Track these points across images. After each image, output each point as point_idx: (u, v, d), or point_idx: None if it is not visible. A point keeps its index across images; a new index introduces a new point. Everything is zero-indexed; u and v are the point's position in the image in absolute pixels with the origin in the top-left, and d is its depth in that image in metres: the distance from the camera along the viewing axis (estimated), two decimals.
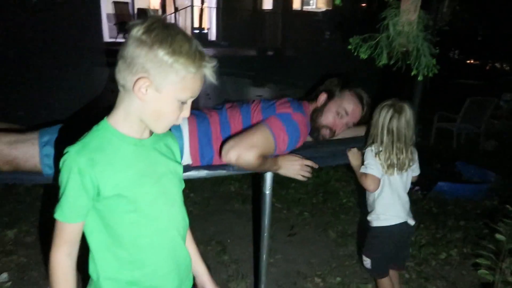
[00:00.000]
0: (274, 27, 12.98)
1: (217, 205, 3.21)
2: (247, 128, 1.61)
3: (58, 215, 0.89)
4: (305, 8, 13.76)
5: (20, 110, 2.10)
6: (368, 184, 1.72)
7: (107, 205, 0.91)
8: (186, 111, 0.92)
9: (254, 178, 3.35)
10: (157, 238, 0.97)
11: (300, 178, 1.66)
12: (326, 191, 3.55)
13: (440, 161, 4.53)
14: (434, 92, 3.45)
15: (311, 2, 14.37)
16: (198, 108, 1.72)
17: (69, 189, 0.86)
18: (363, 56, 1.16)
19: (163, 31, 0.83)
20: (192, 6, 10.61)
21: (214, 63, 0.89)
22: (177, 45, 0.84)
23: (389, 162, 1.71)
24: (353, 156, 1.79)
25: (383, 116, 1.69)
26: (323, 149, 1.77)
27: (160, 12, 10.18)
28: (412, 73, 1.10)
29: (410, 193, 1.91)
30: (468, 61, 15.38)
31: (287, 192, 3.45)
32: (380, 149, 1.71)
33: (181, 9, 10.50)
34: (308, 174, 1.67)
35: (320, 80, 2.00)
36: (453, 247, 2.68)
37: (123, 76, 0.85)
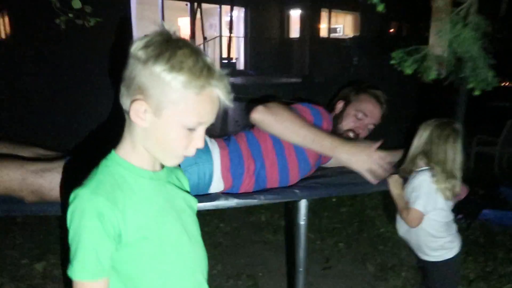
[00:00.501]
0: (302, 54, 13.09)
1: (247, 236, 3.09)
2: None
3: (79, 274, 0.75)
4: (332, 35, 13.83)
5: (49, 138, 2.11)
6: (411, 219, 1.57)
7: (127, 255, 0.77)
8: (198, 141, 0.78)
9: (287, 207, 3.22)
10: (183, 284, 0.85)
11: (367, 175, 1.47)
12: (361, 220, 3.38)
13: (482, 186, 4.27)
14: (470, 115, 3.29)
15: (338, 29, 14.43)
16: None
17: (89, 239, 0.73)
18: (408, 71, 1.06)
19: (162, 45, 0.72)
20: (220, 36, 10.83)
21: (226, 80, 0.75)
22: (177, 60, 0.71)
23: (448, 185, 1.57)
24: (394, 183, 1.64)
25: (439, 136, 1.57)
26: (358, 174, 1.65)
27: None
28: (469, 86, 0.98)
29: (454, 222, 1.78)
30: (503, 84, 14.84)
31: (320, 221, 3.30)
32: (438, 175, 1.57)
33: (209, 40, 10.73)
34: (383, 173, 1.46)
35: (336, 92, 1.96)
36: (506, 283, 2.45)
37: (124, 100, 0.75)
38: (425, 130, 1.61)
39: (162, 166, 0.85)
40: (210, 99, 0.74)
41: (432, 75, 0.99)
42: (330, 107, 1.85)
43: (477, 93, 1.00)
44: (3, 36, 4.83)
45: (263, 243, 2.98)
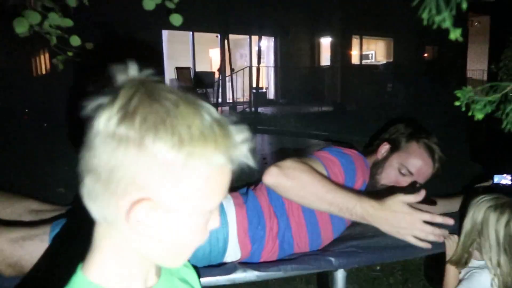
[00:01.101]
0: (333, 82, 12.85)
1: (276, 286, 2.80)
2: None
3: None
4: (364, 61, 13.56)
5: (60, 186, 1.96)
6: None
7: None
8: (216, 220, 0.59)
9: (321, 278, 2.85)
10: None
11: (413, 241, 1.14)
12: (405, 268, 3.01)
13: None
14: None
15: (370, 55, 14.17)
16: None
17: None
18: (479, 116, 0.78)
19: (150, 106, 0.48)
20: (250, 66, 10.82)
21: (246, 135, 0.52)
22: (184, 127, 0.48)
23: (508, 284, 1.25)
24: (452, 246, 1.35)
25: (494, 222, 1.25)
26: None
27: (218, 75, 10.46)
28: None
29: None
30: None
31: (357, 269, 2.97)
32: (496, 272, 1.26)
33: (238, 71, 10.76)
34: (435, 238, 1.13)
35: (384, 126, 1.63)
36: None
37: (100, 202, 0.50)
38: (473, 211, 1.30)
39: (158, 274, 0.61)
40: (231, 166, 0.52)
41: None
42: (371, 148, 1.57)
43: None
44: None
45: None
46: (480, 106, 0.75)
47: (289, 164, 1.20)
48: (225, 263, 1.19)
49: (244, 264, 1.16)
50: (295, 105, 10.01)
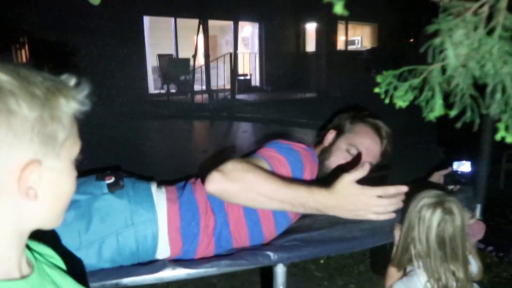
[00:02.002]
0: (319, 68, 12.77)
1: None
2: None
3: None
4: (350, 47, 13.48)
5: None
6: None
7: None
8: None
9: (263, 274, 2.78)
10: None
11: (375, 217, 1.11)
12: (375, 254, 3.01)
13: None
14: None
15: (356, 41, 14.08)
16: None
17: None
18: (401, 103, 0.73)
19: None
20: (233, 53, 10.69)
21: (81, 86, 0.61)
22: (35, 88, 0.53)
23: (440, 285, 1.22)
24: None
25: (427, 220, 1.22)
26: (360, 225, 1.33)
27: (202, 61, 10.33)
28: (499, 135, 0.62)
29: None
30: None
31: (328, 257, 2.95)
32: (425, 271, 1.22)
33: (219, 57, 10.61)
34: (394, 207, 1.12)
35: (329, 118, 1.62)
36: None
37: None
38: (411, 210, 1.27)
39: (30, 264, 0.59)
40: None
41: (437, 110, 0.67)
42: (320, 137, 1.54)
43: (509, 140, 0.64)
44: None
45: None
46: (402, 93, 0.70)
47: (231, 167, 1.13)
48: (155, 261, 1.14)
49: (174, 262, 1.11)
50: (280, 92, 9.92)
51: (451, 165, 1.74)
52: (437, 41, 0.63)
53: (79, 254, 1.13)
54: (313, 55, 12.83)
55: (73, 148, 0.61)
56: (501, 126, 0.62)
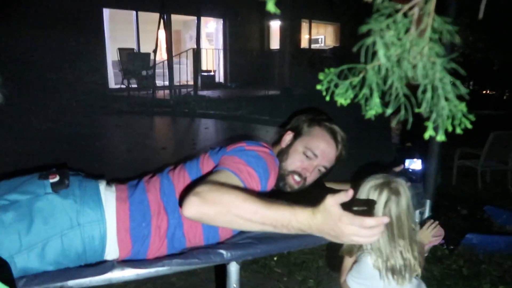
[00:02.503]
0: (282, 66, 12.87)
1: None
2: (199, 179, 1.19)
3: None
4: (314, 46, 13.68)
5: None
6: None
7: None
8: None
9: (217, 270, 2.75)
10: None
11: (356, 242, 1.06)
12: (333, 249, 3.07)
13: (465, 205, 4.02)
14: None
15: (319, 39, 14.30)
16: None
17: None
18: (342, 101, 0.73)
19: None
20: (198, 48, 10.59)
21: None
22: None
23: (388, 265, 1.25)
24: None
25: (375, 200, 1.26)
26: None
27: (164, 55, 10.16)
28: (427, 134, 0.64)
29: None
30: (484, 92, 14.93)
31: (288, 252, 2.97)
32: (373, 251, 1.26)
33: (182, 52, 10.48)
34: (375, 238, 1.03)
35: (287, 119, 1.65)
36: None
37: None
38: (361, 192, 1.30)
39: None
40: None
41: (374, 109, 0.68)
42: (277, 138, 1.55)
43: (441, 138, 0.67)
44: None
45: None
46: (342, 90, 0.71)
47: (207, 188, 1.08)
48: (103, 262, 1.11)
49: (123, 262, 1.08)
50: (244, 89, 9.92)
51: (403, 162, 1.80)
52: (368, 41, 0.65)
53: (19, 257, 1.07)
54: (277, 53, 12.93)
55: None
56: (429, 125, 0.64)
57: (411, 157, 1.79)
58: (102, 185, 1.22)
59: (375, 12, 0.60)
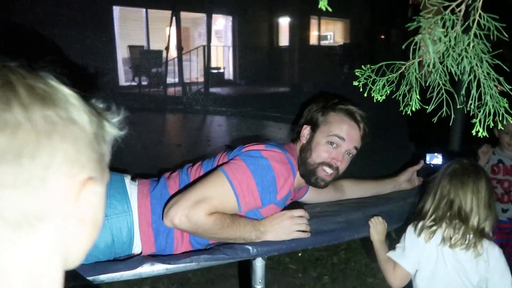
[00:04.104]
0: (291, 63, 12.85)
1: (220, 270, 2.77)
2: (199, 179, 1.21)
3: None
4: (323, 42, 13.61)
5: None
6: (393, 278, 1.28)
7: None
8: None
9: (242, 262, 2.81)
10: None
11: (297, 235, 1.26)
12: (348, 247, 3.07)
13: None
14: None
15: (328, 36, 14.24)
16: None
17: None
18: (378, 97, 0.74)
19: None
20: (206, 46, 10.61)
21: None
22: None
23: (444, 234, 1.27)
24: (376, 228, 1.35)
25: (447, 183, 1.27)
26: (335, 218, 1.35)
27: (175, 53, 10.18)
28: (475, 130, 0.63)
29: None
30: None
31: (302, 249, 2.98)
32: (432, 223, 1.27)
33: (192, 50, 10.50)
34: (306, 228, 1.32)
35: (299, 113, 1.63)
36: None
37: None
38: (439, 176, 1.46)
39: None
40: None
41: (415, 104, 0.69)
42: (295, 135, 1.53)
43: (482, 134, 0.66)
44: None
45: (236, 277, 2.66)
46: (379, 87, 0.71)
47: (190, 204, 1.22)
48: (132, 256, 1.12)
49: (152, 257, 1.09)
50: (253, 86, 9.92)
51: (423, 159, 1.79)
52: (417, 37, 0.65)
53: None
54: (286, 50, 12.91)
55: (107, 173, 0.58)
56: (477, 122, 0.64)
57: (432, 151, 1.79)
58: (127, 179, 1.24)
59: (422, 9, 0.61)
